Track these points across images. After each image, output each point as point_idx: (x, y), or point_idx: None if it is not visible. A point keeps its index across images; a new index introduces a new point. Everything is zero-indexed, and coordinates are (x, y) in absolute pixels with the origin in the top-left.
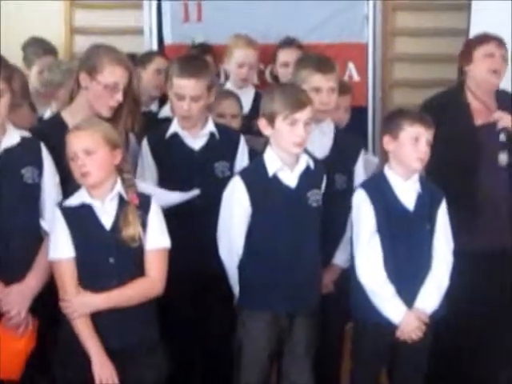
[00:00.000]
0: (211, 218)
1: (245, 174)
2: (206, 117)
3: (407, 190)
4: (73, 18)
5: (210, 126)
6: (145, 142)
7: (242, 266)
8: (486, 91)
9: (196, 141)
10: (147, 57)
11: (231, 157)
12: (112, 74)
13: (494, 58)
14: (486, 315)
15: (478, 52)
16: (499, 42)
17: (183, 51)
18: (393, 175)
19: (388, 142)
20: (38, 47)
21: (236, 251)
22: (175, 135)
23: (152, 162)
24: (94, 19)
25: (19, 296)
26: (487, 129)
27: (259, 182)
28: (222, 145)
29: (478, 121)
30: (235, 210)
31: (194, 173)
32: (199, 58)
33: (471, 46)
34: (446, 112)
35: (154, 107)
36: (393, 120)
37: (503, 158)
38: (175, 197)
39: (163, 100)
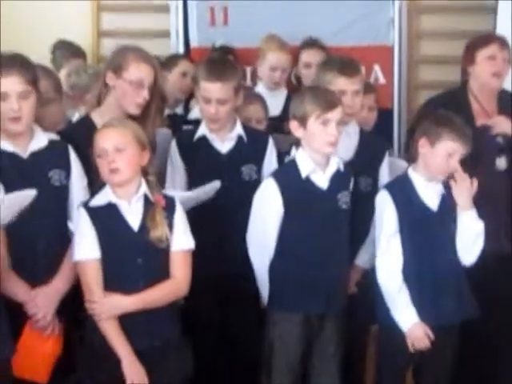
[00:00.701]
0: (237, 220)
1: (278, 176)
2: (234, 119)
3: (431, 192)
4: (100, 20)
5: (239, 129)
6: (173, 144)
7: (273, 268)
8: (487, 93)
9: (224, 144)
10: (173, 60)
11: (259, 160)
12: (137, 71)
13: (495, 61)
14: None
15: (480, 54)
16: (502, 43)
17: (209, 55)
18: (417, 177)
19: (423, 145)
20: (66, 50)
21: (267, 253)
22: (203, 138)
23: (181, 163)
24: (121, 22)
25: (46, 299)
26: (486, 132)
27: (292, 183)
28: (250, 148)
29: (479, 123)
30: (268, 211)
31: (222, 176)
32: (226, 61)
33: (474, 47)
34: None
35: (179, 110)
36: (435, 126)
37: (501, 162)
38: (197, 193)
39: (188, 102)
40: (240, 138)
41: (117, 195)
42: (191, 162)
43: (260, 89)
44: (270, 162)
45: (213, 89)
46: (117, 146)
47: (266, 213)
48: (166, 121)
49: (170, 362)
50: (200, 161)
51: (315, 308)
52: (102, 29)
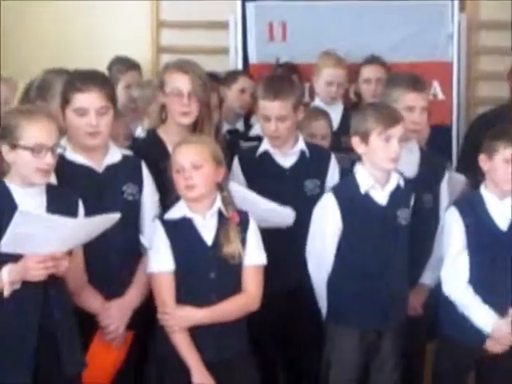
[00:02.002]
0: (300, 235)
1: (337, 191)
2: (296, 135)
3: (502, 210)
4: (159, 36)
5: (301, 145)
6: (236, 160)
7: (331, 283)
8: None
9: (287, 159)
10: (232, 76)
11: (322, 175)
12: (173, 81)
13: None
14: None
15: None
16: None
17: (268, 70)
18: (488, 194)
19: (484, 161)
20: (121, 64)
21: (326, 267)
22: (266, 153)
23: (243, 179)
24: (180, 38)
25: (119, 311)
26: None
27: (351, 199)
28: (313, 163)
29: None
30: (326, 226)
31: (285, 191)
32: (284, 78)
33: None
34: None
35: (239, 126)
36: (489, 140)
37: None
38: (270, 206)
39: (249, 118)
40: (302, 154)
41: (191, 209)
42: (253, 177)
43: (317, 104)
44: (333, 177)
45: (271, 107)
46: (194, 163)
47: (325, 227)
48: (226, 136)
49: (238, 376)
50: (262, 176)
51: (372, 323)
52: (161, 45)
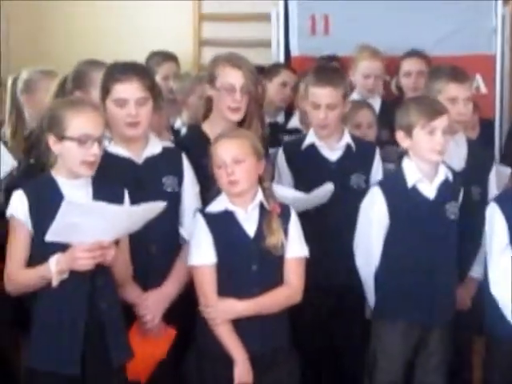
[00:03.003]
0: (347, 229)
1: (384, 185)
2: (342, 129)
3: None
4: (201, 30)
5: (347, 138)
6: (281, 152)
7: (378, 277)
8: None
9: (333, 153)
10: (274, 69)
11: (367, 169)
12: (226, 76)
13: None
14: None
15: None
16: None
17: (310, 64)
18: None
19: None
20: (157, 56)
21: (373, 261)
22: (312, 146)
23: (288, 172)
24: (222, 31)
25: (156, 302)
26: None
27: (398, 192)
28: (358, 157)
29: None
30: (373, 220)
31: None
32: (335, 68)
33: None
34: None
35: (280, 119)
36: None
37: None
38: (309, 196)
39: (290, 112)
40: (348, 147)
41: (233, 203)
42: (299, 170)
43: (354, 97)
44: (377, 172)
45: (322, 93)
46: (235, 158)
47: (372, 222)
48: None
49: (280, 369)
50: (308, 169)
51: (418, 318)
52: (202, 38)
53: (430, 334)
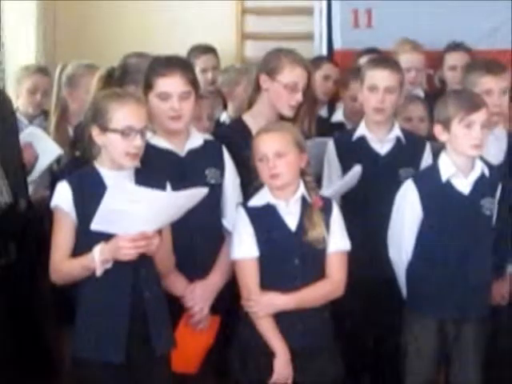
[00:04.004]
0: (388, 223)
1: (418, 179)
2: (392, 121)
3: None
4: (244, 23)
5: (397, 131)
6: (331, 144)
7: (411, 270)
8: None
9: (383, 145)
10: (316, 62)
11: (416, 163)
12: (292, 75)
13: None
14: None
15: None
16: None
17: (352, 57)
18: None
19: None
20: (196, 49)
21: (405, 254)
22: (362, 138)
23: (338, 164)
24: (264, 24)
25: (203, 293)
26: None
27: (432, 187)
28: (408, 150)
29: None
30: (406, 213)
31: (379, 177)
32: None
33: None
34: None
35: (323, 112)
36: None
37: None
38: (342, 182)
39: (333, 106)
40: (398, 140)
41: (275, 196)
42: (348, 162)
43: None
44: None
45: (381, 76)
46: (278, 151)
47: (405, 215)
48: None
49: (321, 362)
50: (357, 161)
51: (450, 313)
52: (245, 31)
53: (464, 329)
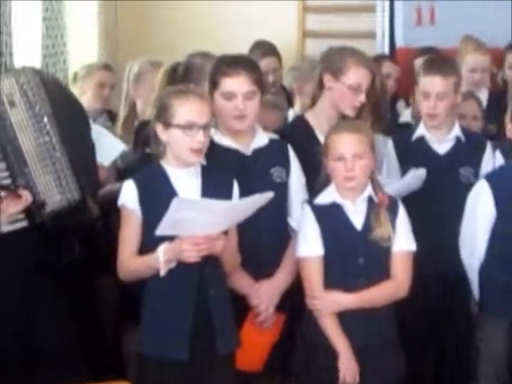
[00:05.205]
0: (454, 223)
1: (491, 179)
2: (453, 120)
3: None
4: (305, 21)
5: (457, 130)
6: (390, 145)
7: (483, 271)
8: None
9: (442, 145)
10: (377, 60)
11: (476, 163)
12: (356, 76)
13: None
14: None
15: None
16: None
17: (414, 55)
18: None
19: None
20: (257, 51)
21: (478, 255)
22: (421, 138)
23: (397, 164)
24: (325, 22)
25: (269, 292)
26: None
27: (506, 188)
28: (468, 150)
29: None
30: (479, 213)
31: (439, 177)
32: (446, 57)
33: None
34: None
35: None
36: None
37: None
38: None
39: (394, 104)
40: (458, 140)
41: (342, 195)
42: (407, 162)
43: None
44: (488, 164)
45: (432, 82)
46: (356, 153)
47: (477, 215)
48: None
49: (385, 362)
50: (416, 161)
51: None
52: (306, 29)
53: None
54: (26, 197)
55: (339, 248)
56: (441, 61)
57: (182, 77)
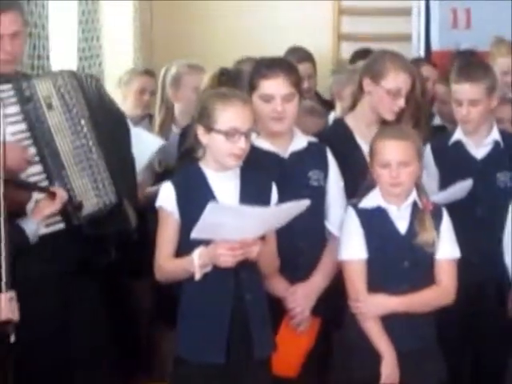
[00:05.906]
0: (493, 228)
1: None
2: (491, 124)
3: None
4: (340, 23)
5: (495, 134)
6: (428, 148)
7: None
8: None
9: (479, 150)
10: (415, 64)
11: None
12: (395, 80)
13: None
14: None
15: None
16: None
17: (450, 58)
18: None
19: None
20: (292, 57)
21: None
22: (458, 143)
23: (435, 169)
24: (361, 25)
25: (305, 294)
26: None
27: None
28: (506, 154)
29: None
30: None
31: (476, 182)
32: (478, 62)
33: None
34: None
35: None
36: None
37: None
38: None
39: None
40: (496, 144)
41: (386, 200)
42: (444, 166)
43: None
44: None
45: (463, 90)
46: (403, 161)
47: None
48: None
49: (427, 366)
50: (453, 166)
51: None
52: (342, 32)
53: None
54: (61, 195)
55: (384, 252)
56: (471, 67)
57: (230, 82)
